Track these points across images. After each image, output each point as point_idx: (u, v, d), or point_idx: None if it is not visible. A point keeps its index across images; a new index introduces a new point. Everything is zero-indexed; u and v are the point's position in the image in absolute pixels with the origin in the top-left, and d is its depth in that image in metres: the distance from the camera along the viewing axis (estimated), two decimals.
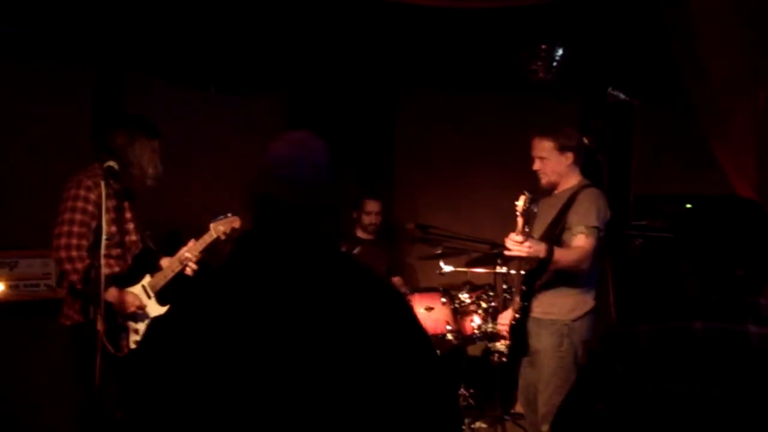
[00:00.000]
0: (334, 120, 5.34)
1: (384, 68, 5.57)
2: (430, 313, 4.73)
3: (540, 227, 3.61)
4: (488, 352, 4.84)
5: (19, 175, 4.28)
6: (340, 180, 1.66)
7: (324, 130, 1.75)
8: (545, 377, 3.47)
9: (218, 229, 3.60)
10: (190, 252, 3.55)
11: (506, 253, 3.39)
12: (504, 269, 4.81)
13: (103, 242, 3.01)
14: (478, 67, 5.34)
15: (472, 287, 4.93)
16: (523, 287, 3.56)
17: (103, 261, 2.98)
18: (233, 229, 3.58)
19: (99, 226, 3.10)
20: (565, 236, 3.46)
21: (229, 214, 3.62)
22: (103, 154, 3.30)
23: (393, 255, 5.62)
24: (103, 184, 3.09)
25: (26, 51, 4.32)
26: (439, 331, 4.69)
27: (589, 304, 3.51)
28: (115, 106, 4.59)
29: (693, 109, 3.60)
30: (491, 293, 4.82)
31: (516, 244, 3.28)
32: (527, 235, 3.32)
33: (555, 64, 4.98)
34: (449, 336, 4.70)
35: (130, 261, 3.51)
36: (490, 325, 4.65)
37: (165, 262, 3.60)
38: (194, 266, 3.56)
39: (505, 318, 3.71)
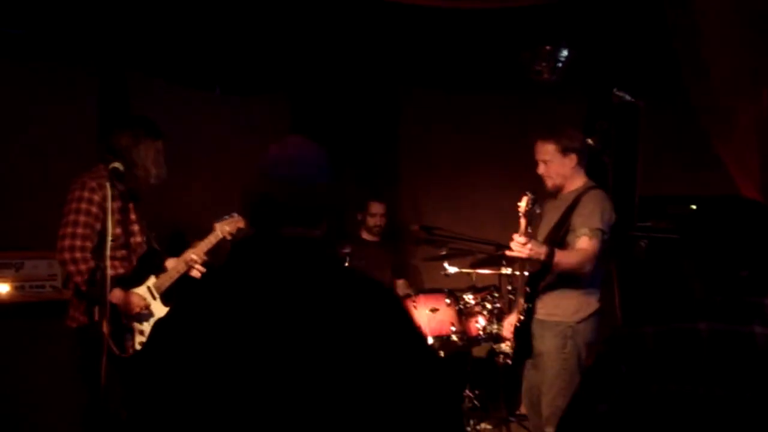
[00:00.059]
0: (337, 121, 5.34)
1: (385, 69, 5.57)
2: (435, 314, 4.71)
3: (545, 229, 3.61)
4: (493, 354, 4.84)
5: (20, 176, 4.28)
6: (339, 181, 1.66)
7: (327, 132, 1.76)
8: (549, 379, 3.45)
9: (224, 229, 3.60)
10: (195, 253, 3.55)
11: (508, 253, 3.39)
12: (509, 270, 4.81)
13: (108, 244, 3.00)
14: (480, 67, 5.32)
15: (477, 289, 4.93)
16: (527, 289, 3.55)
17: (108, 263, 2.98)
18: (238, 229, 3.58)
19: (104, 228, 3.09)
20: (569, 238, 3.45)
21: (234, 214, 3.62)
22: (108, 156, 3.30)
23: (398, 256, 5.62)
24: (108, 185, 3.08)
25: (27, 51, 4.32)
26: (443, 332, 4.68)
27: (594, 305, 3.50)
28: (120, 107, 4.59)
29: (696, 109, 3.60)
30: (496, 294, 4.82)
31: (518, 245, 3.28)
32: (530, 237, 3.32)
33: (560, 65, 4.97)
34: (454, 337, 4.69)
35: (135, 262, 3.51)
36: (495, 327, 4.65)
37: (170, 263, 3.60)
38: (201, 268, 3.56)
39: (511, 323, 3.71)
